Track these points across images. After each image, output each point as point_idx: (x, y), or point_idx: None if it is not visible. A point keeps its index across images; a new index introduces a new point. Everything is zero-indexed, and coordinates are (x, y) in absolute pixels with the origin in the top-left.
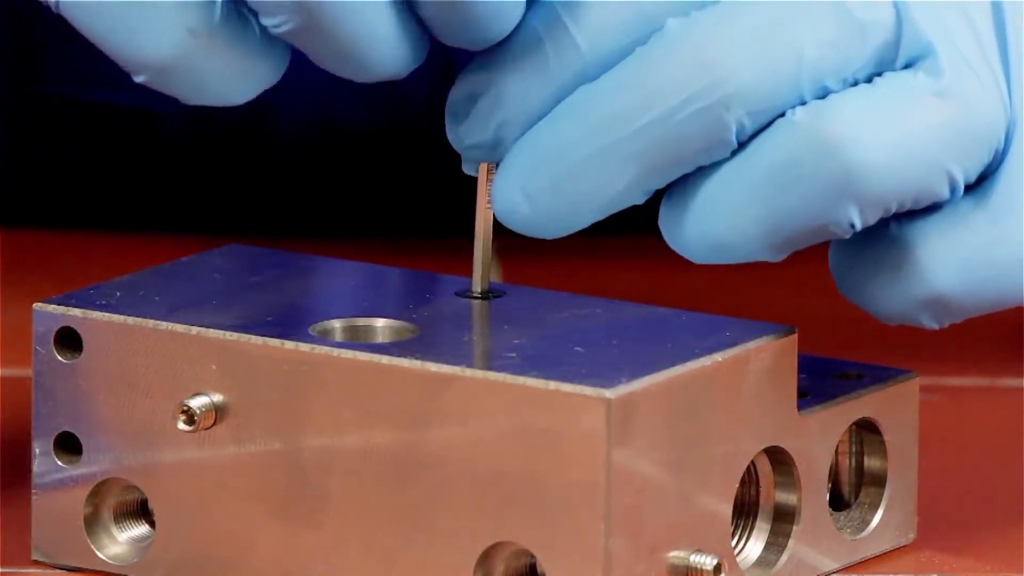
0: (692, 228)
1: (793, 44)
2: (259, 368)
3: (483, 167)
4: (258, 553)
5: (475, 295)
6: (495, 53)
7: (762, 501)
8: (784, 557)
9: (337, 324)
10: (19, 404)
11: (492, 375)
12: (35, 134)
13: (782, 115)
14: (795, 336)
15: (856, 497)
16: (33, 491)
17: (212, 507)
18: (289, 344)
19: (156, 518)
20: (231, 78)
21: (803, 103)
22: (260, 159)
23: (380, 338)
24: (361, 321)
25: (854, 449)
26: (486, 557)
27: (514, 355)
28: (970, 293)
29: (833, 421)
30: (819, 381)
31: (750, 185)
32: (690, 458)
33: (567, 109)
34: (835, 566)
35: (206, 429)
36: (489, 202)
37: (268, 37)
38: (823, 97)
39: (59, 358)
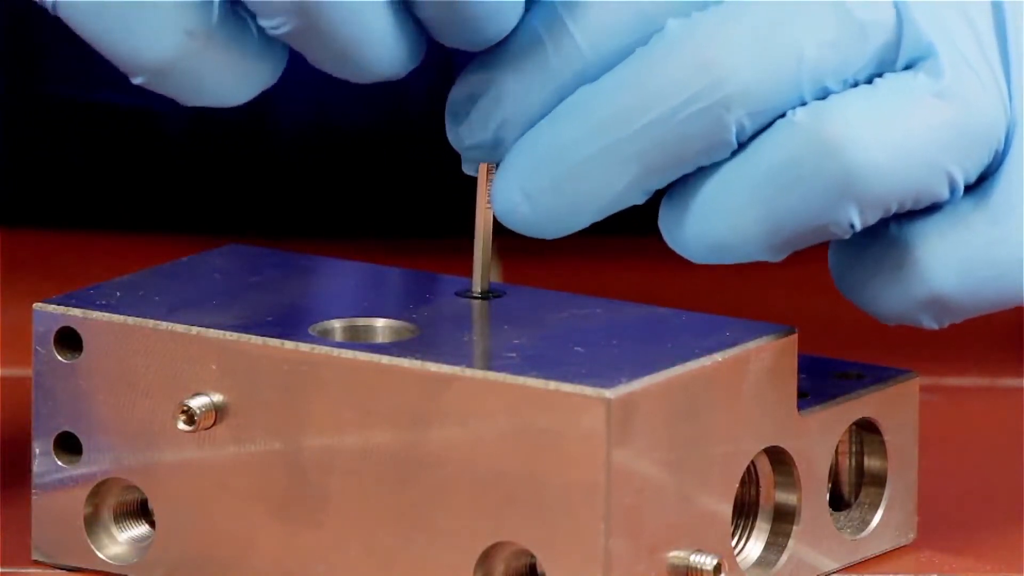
0: (692, 228)
1: (793, 45)
2: (259, 368)
3: (483, 167)
4: (258, 553)
5: (475, 295)
6: (495, 53)
7: (762, 501)
8: (784, 557)
9: (337, 324)
10: (19, 404)
11: (492, 375)
12: (35, 134)
13: (782, 116)
14: (795, 336)
15: (856, 497)
16: (33, 491)
17: (212, 507)
18: (289, 344)
19: (156, 518)
20: (229, 79)
21: (803, 104)
22: (260, 159)
23: (380, 338)
24: (361, 321)
25: (854, 449)
26: (486, 557)
27: (514, 355)
28: (970, 293)
29: (833, 421)
30: (819, 381)
31: (750, 185)
32: (690, 458)
33: (567, 109)
34: (835, 566)
35: (206, 429)
36: (489, 202)
37: (266, 38)
38: (823, 98)
39: (59, 358)
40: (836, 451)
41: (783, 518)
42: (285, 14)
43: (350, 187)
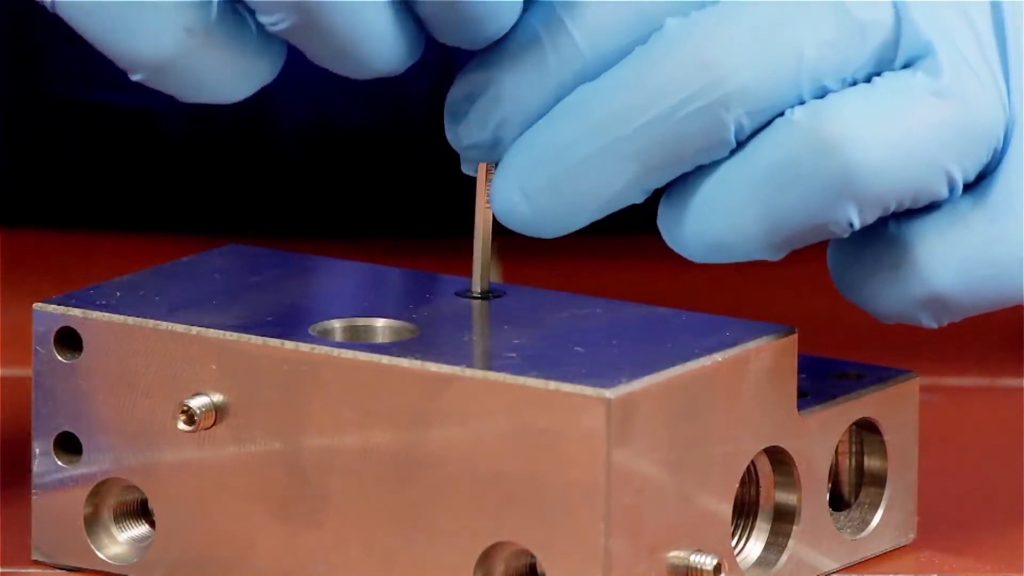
0: (691, 227)
1: (793, 44)
2: (259, 368)
3: (482, 167)
4: (258, 553)
5: (475, 295)
6: (494, 52)
7: (762, 501)
8: (784, 557)
9: (337, 324)
10: (19, 404)
11: (492, 375)
12: (35, 134)
13: (781, 114)
14: (795, 336)
15: (856, 497)
16: (33, 491)
17: (212, 507)
18: (289, 344)
19: (156, 518)
20: (228, 76)
21: (802, 103)
22: (260, 159)
23: (380, 338)
24: (361, 321)
25: (854, 449)
26: (486, 557)
27: (514, 355)
28: (969, 292)
29: (833, 421)
30: (819, 381)
31: (749, 184)
32: (690, 458)
33: (566, 109)
34: (835, 566)
35: (206, 429)
36: (488, 202)
37: (265, 35)
38: (822, 97)
39: (59, 358)
40: (836, 451)
41: (783, 518)
42: (284, 10)
43: (350, 187)
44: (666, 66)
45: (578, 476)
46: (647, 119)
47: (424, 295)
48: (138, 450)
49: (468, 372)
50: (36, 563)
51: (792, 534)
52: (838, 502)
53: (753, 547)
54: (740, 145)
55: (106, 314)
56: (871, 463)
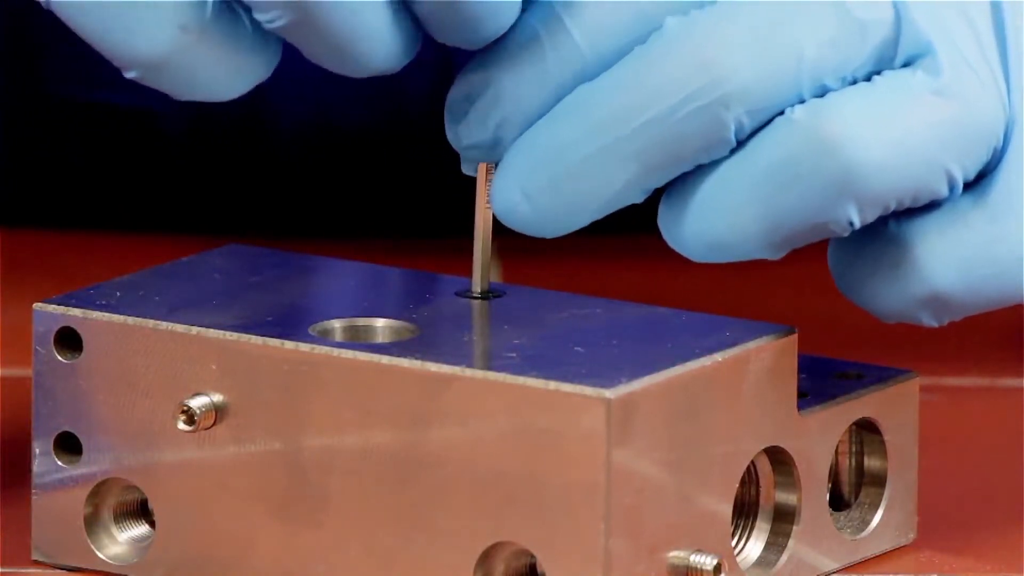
0: (691, 226)
1: (792, 43)
2: (259, 368)
3: (482, 167)
4: (258, 553)
5: (475, 295)
6: (494, 52)
7: (762, 501)
8: (784, 557)
9: (337, 324)
10: (19, 404)
11: (492, 375)
12: (35, 134)
13: (781, 113)
14: (795, 336)
15: (856, 497)
16: (33, 491)
17: (212, 507)
18: (289, 344)
19: (156, 518)
20: (223, 74)
21: (802, 102)
22: (260, 159)
23: (380, 338)
24: (361, 321)
25: (854, 449)
26: (486, 557)
27: (514, 355)
28: (969, 291)
29: (833, 421)
30: (819, 381)
31: (749, 183)
32: (690, 458)
33: (566, 108)
34: (835, 566)
35: (206, 429)
36: (488, 202)
37: (260, 32)
38: (822, 96)
39: (59, 358)
40: (836, 451)
41: (783, 518)
42: (280, 8)
43: (350, 187)
44: (666, 66)
45: (578, 476)
46: (647, 119)
47: (424, 295)
48: (138, 450)
49: (468, 372)
50: (36, 563)
51: (792, 534)
52: (838, 502)
53: (753, 547)
54: (740, 144)
55: (106, 314)
56: (871, 463)
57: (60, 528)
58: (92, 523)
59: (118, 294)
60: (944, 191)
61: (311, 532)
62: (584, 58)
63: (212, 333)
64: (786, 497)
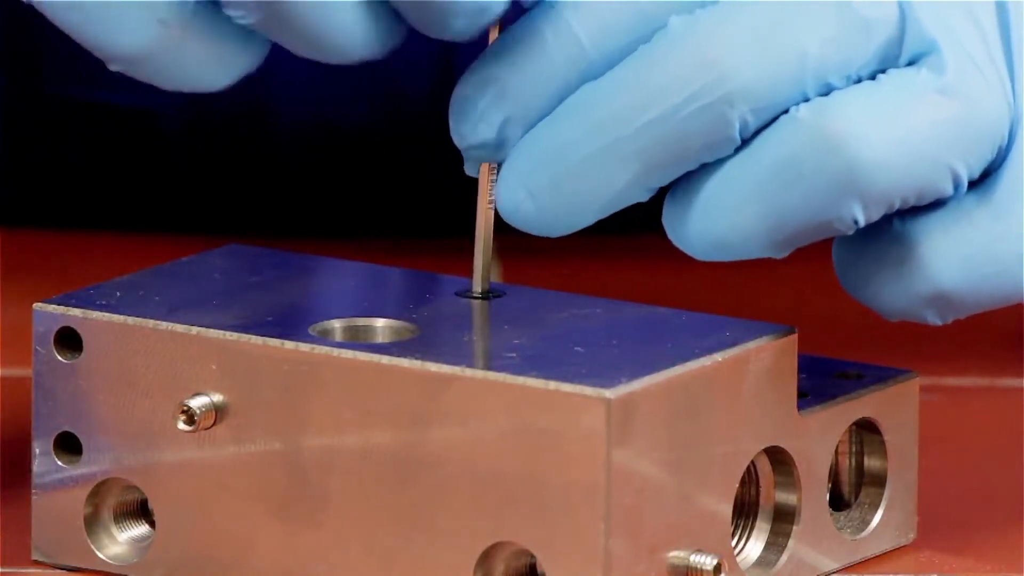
0: (695, 225)
1: (797, 41)
2: (259, 368)
3: (484, 167)
4: (258, 553)
5: (475, 295)
6: (498, 51)
7: (762, 501)
8: (784, 557)
9: (337, 324)
10: (19, 404)
11: (492, 375)
12: (35, 134)
13: (786, 112)
14: (795, 336)
15: (856, 497)
16: (33, 491)
17: (212, 507)
18: (289, 344)
19: (156, 518)
20: (207, 66)
21: (807, 100)
22: (260, 159)
23: (380, 338)
24: (361, 321)
25: (854, 449)
26: (486, 557)
27: (514, 355)
28: (973, 289)
29: (833, 421)
30: (819, 381)
31: (753, 182)
32: (690, 458)
33: (569, 107)
34: (835, 566)
35: (206, 429)
36: (490, 202)
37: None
38: (827, 94)
39: (59, 358)
40: (836, 451)
41: (783, 518)
42: (248, 8)
43: (350, 187)
44: (669, 64)
45: (578, 476)
46: (650, 118)
47: (424, 295)
48: (138, 450)
49: (468, 372)
50: (36, 563)
51: (792, 534)
52: (838, 502)
53: (753, 547)
54: (744, 143)
55: (106, 314)
56: (871, 463)
57: (60, 528)
58: (92, 523)
59: (118, 294)
60: (949, 189)
61: (311, 532)
62: (588, 57)
63: (212, 333)
64: (786, 497)
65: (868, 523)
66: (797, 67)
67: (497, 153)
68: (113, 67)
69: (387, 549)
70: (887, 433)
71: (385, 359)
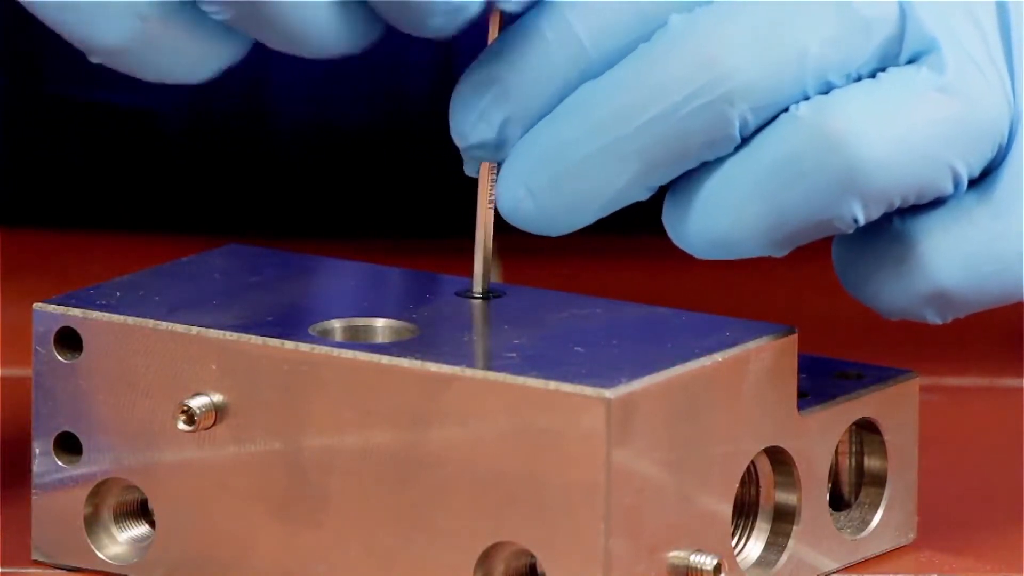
0: (695, 224)
1: (797, 40)
2: (259, 368)
3: (484, 167)
4: (258, 553)
5: (475, 295)
6: (499, 51)
7: (762, 501)
8: (784, 557)
9: (337, 324)
10: (19, 404)
11: (492, 375)
12: (35, 134)
13: (786, 110)
14: (795, 336)
15: (856, 497)
16: (33, 491)
17: (212, 507)
18: (289, 344)
19: (156, 518)
20: (187, 60)
21: (807, 98)
22: (260, 159)
23: (380, 338)
24: (361, 321)
25: (854, 449)
26: (486, 557)
27: (514, 355)
28: (973, 288)
29: (833, 421)
30: (819, 381)
31: (753, 180)
32: (690, 458)
33: (569, 107)
34: (835, 566)
35: (206, 429)
36: (490, 201)
37: None
38: (827, 92)
39: (59, 358)
40: (836, 451)
41: (783, 518)
42: (220, 4)
43: (350, 187)
44: (669, 63)
45: (578, 476)
46: (650, 116)
47: (424, 295)
48: (138, 450)
49: (468, 372)
50: (36, 563)
51: (792, 534)
52: (838, 502)
53: (753, 547)
54: (744, 141)
55: (106, 314)
56: (871, 463)
57: (60, 528)
58: (92, 523)
59: (118, 294)
60: (949, 188)
61: (311, 532)
62: (588, 56)
63: (212, 333)
64: (786, 497)
65: (868, 523)
66: (797, 65)
67: (497, 153)
68: (94, 59)
69: (387, 549)
70: (887, 433)
71: (385, 359)
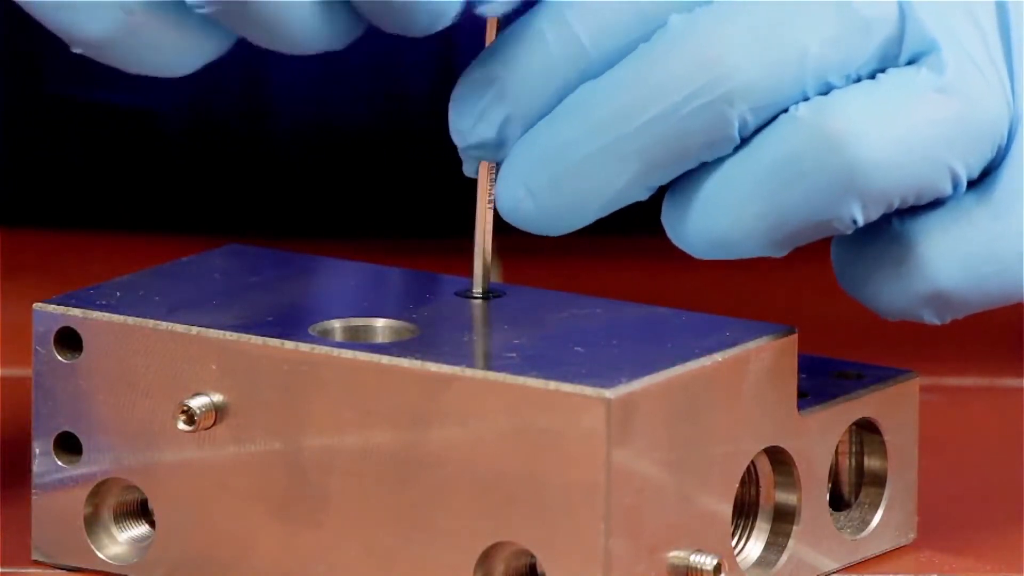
0: (695, 224)
1: (797, 40)
2: (259, 368)
3: (483, 167)
4: (258, 553)
5: (475, 295)
6: (499, 50)
7: (762, 501)
8: (784, 557)
9: (337, 324)
10: (19, 404)
11: (492, 375)
12: (35, 134)
13: (785, 111)
14: (795, 336)
15: (856, 497)
16: (33, 491)
17: (212, 507)
18: (289, 344)
19: (156, 518)
20: (171, 53)
21: (806, 99)
22: (260, 159)
23: (380, 338)
24: (361, 321)
25: (854, 449)
26: (486, 557)
27: (514, 355)
28: (972, 289)
29: (833, 421)
30: (819, 381)
31: (753, 181)
32: (690, 458)
33: (569, 106)
34: (835, 566)
35: (206, 429)
36: (490, 201)
37: None
38: (826, 93)
39: (59, 358)
40: (836, 451)
41: (783, 518)
42: None
43: (350, 187)
44: (669, 63)
45: (578, 476)
46: (649, 116)
47: (424, 295)
48: (138, 450)
49: (468, 372)
50: (36, 563)
51: (792, 534)
52: (838, 502)
53: (753, 547)
54: (744, 142)
55: (106, 314)
56: (871, 463)
57: (60, 528)
58: (92, 523)
59: (118, 294)
60: (948, 189)
61: (311, 532)
62: (588, 56)
63: (212, 333)
64: (786, 497)
65: (868, 523)
66: (797, 66)
67: (497, 153)
68: (76, 50)
69: (387, 549)
70: (887, 433)
71: (385, 359)
